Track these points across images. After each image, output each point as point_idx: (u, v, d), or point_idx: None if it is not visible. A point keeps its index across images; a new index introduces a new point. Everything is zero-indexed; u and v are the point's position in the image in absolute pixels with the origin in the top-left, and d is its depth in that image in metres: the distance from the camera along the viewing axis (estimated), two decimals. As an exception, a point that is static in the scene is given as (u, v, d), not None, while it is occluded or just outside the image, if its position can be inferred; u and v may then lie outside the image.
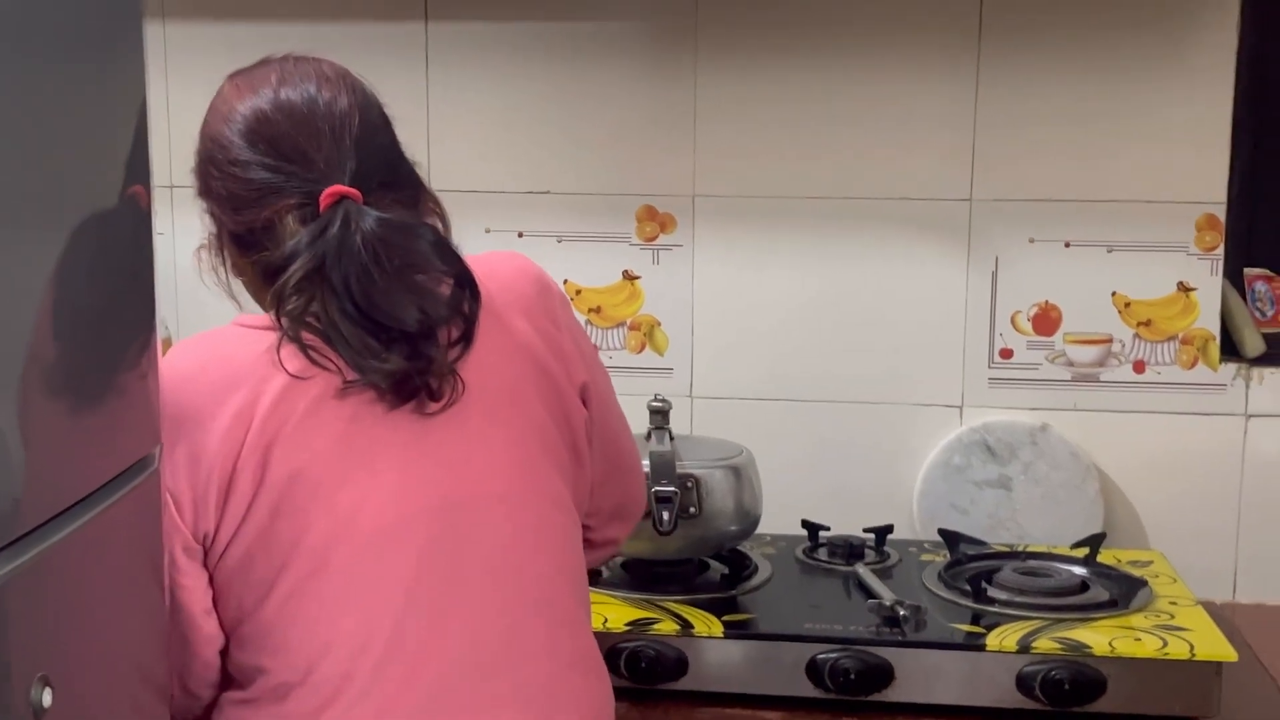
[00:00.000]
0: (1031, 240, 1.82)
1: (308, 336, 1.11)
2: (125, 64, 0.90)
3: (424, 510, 1.13)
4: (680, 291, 1.89)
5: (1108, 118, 1.83)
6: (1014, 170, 1.84)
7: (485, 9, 1.83)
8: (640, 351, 1.89)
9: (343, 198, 1.12)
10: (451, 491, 1.13)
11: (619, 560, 1.65)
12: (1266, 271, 1.88)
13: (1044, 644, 1.47)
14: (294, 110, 1.18)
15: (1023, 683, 1.47)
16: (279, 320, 1.12)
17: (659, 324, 1.89)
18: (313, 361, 1.11)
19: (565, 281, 1.81)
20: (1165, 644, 1.48)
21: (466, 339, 1.13)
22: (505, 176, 1.85)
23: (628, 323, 1.88)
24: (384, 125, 1.23)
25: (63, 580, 0.83)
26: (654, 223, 1.86)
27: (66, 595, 0.84)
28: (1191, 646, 1.47)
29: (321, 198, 1.13)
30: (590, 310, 1.87)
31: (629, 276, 1.87)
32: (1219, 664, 1.46)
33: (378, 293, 1.10)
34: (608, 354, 1.85)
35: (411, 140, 1.33)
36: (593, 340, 1.83)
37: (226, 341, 1.16)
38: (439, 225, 1.23)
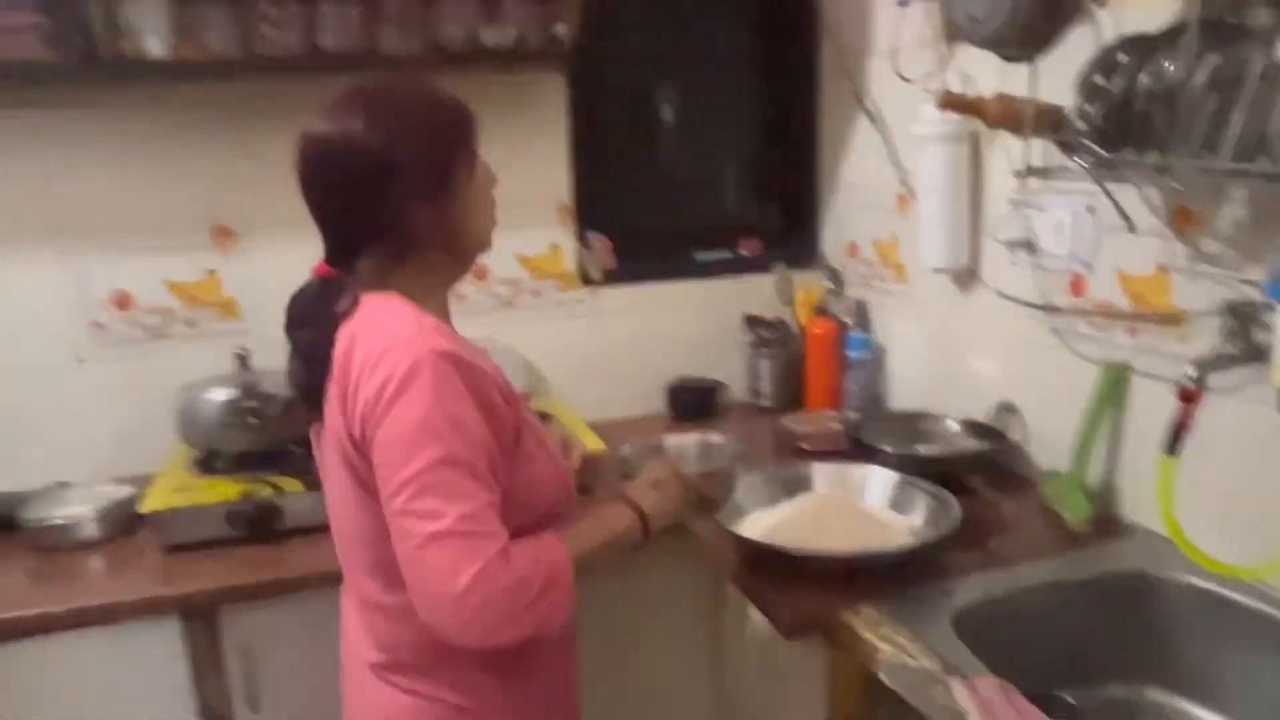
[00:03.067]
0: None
1: None
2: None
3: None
4: (249, 281, 2.20)
5: (508, 156, 1.72)
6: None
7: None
8: (224, 320, 2.20)
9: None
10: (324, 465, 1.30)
11: (235, 453, 1.89)
12: (599, 234, 2.43)
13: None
14: None
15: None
16: None
17: (236, 300, 2.23)
18: None
19: (164, 279, 2.10)
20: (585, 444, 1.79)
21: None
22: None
23: (214, 301, 2.17)
24: (364, 180, 1.14)
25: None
26: (225, 236, 2.19)
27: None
28: (588, 446, 1.84)
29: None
30: (187, 298, 2.16)
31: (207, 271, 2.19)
32: (598, 456, 1.85)
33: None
34: (198, 323, 2.11)
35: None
36: (188, 316, 2.11)
37: None
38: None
